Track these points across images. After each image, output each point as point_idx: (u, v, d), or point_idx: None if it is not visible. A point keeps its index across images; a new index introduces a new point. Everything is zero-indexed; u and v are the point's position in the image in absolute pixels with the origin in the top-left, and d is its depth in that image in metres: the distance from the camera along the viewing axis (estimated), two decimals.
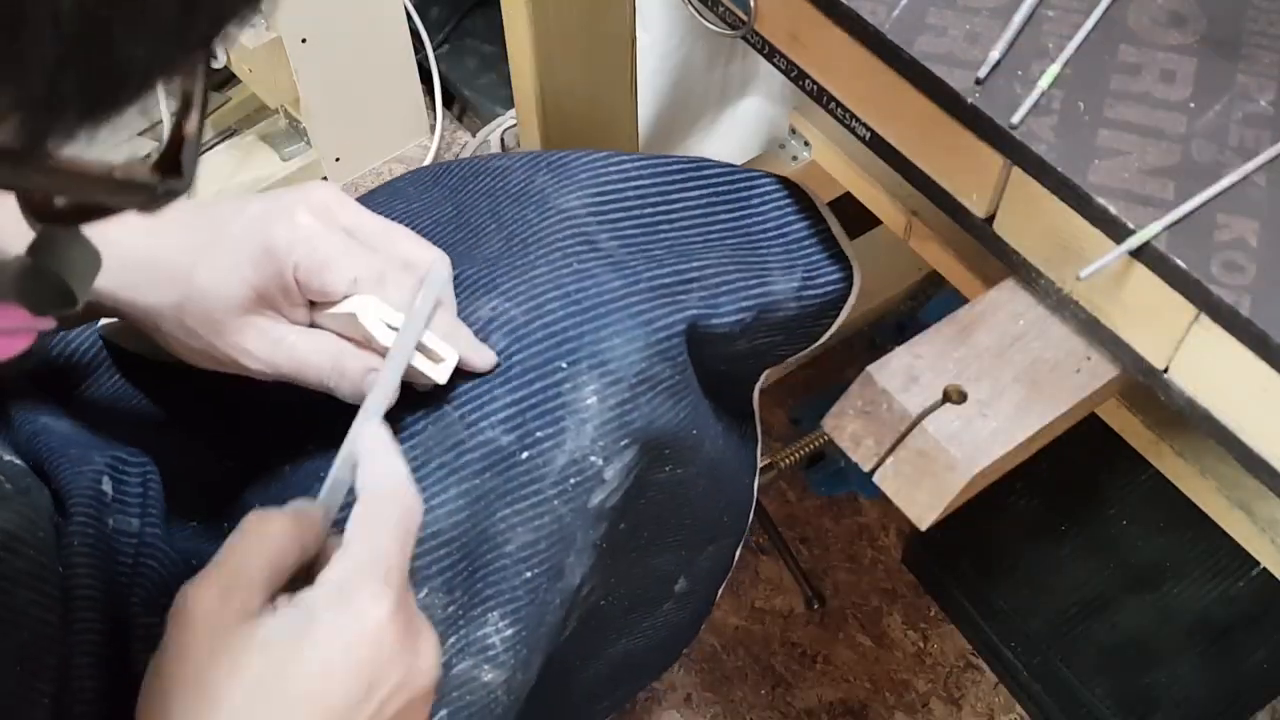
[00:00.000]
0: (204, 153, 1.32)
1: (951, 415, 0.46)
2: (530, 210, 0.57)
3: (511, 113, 1.31)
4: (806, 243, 0.63)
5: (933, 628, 1.03)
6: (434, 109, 1.38)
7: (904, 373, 0.47)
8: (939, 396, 0.47)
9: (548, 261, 0.53)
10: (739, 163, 0.94)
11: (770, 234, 0.62)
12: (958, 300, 0.55)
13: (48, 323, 0.29)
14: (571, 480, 0.49)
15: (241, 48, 1.15)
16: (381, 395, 0.45)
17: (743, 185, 0.63)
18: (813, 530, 1.08)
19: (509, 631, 0.49)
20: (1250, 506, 0.54)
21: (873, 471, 0.48)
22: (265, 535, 0.39)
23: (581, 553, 0.51)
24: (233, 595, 0.38)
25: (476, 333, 0.50)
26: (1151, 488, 0.99)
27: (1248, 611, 0.93)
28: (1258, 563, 0.55)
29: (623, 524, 0.53)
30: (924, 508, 0.47)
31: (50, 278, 0.28)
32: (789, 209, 0.63)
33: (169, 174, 0.25)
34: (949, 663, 1.01)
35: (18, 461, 0.47)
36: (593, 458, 0.49)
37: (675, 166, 0.60)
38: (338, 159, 1.32)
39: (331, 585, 0.39)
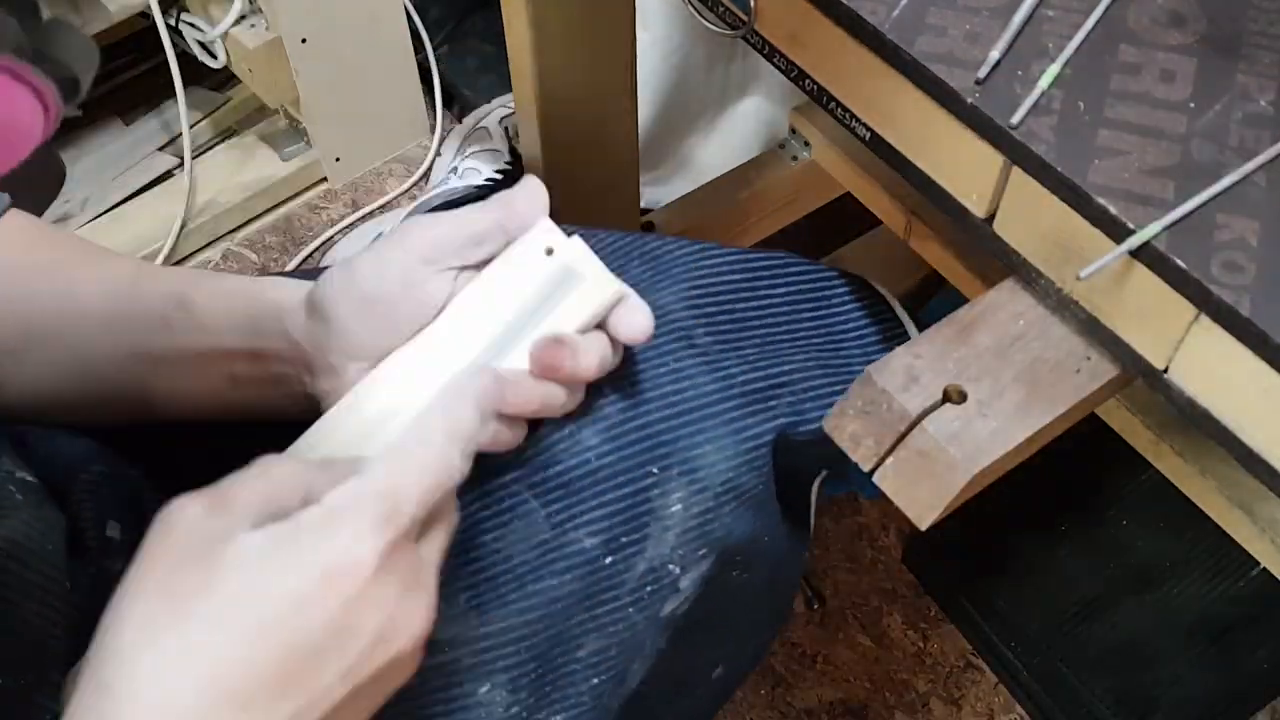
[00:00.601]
0: (204, 153, 1.33)
1: (951, 415, 0.46)
2: None
3: (503, 99, 1.31)
4: (883, 347, 0.62)
5: (933, 628, 1.03)
6: (434, 109, 1.37)
7: (904, 373, 0.47)
8: (939, 396, 0.47)
9: (645, 359, 0.51)
10: (739, 163, 0.94)
11: (850, 336, 0.62)
12: (958, 300, 0.55)
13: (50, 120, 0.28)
14: (648, 588, 0.49)
15: (241, 48, 1.15)
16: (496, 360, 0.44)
17: (824, 284, 0.62)
18: (813, 530, 1.08)
19: None
20: (1250, 506, 0.54)
21: (873, 471, 0.48)
22: (268, 470, 0.38)
23: (647, 659, 0.51)
24: (218, 513, 0.36)
25: (571, 427, 0.49)
26: (1151, 488, 0.99)
27: (1248, 611, 0.93)
28: (1258, 563, 0.55)
29: (683, 624, 0.53)
30: (924, 508, 0.47)
31: (58, 66, 0.28)
32: (867, 310, 0.63)
33: None
34: (949, 663, 1.01)
35: (30, 479, 0.47)
36: (671, 566, 0.49)
37: (763, 262, 0.60)
38: (338, 159, 1.32)
39: (324, 508, 0.36)
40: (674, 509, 0.48)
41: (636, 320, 0.46)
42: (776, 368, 0.55)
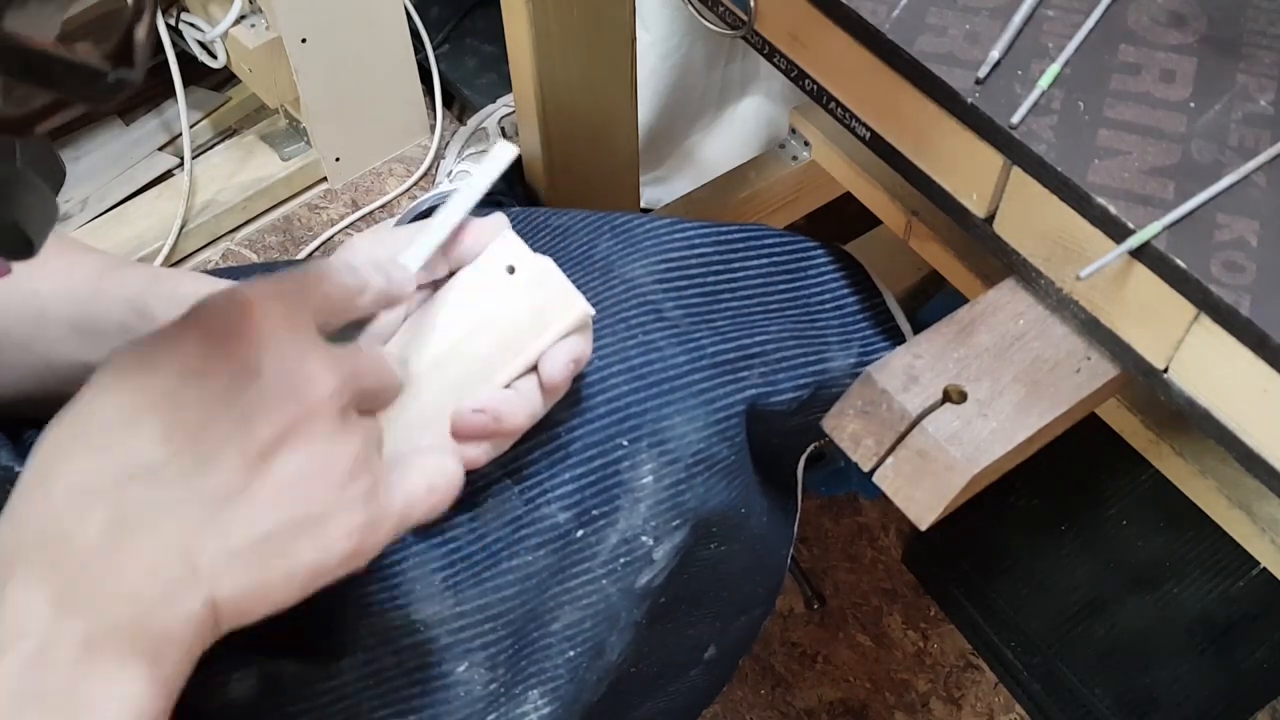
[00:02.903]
0: (204, 153, 1.32)
1: (951, 415, 0.46)
2: (595, 278, 0.56)
3: (504, 99, 1.31)
4: (861, 316, 0.62)
5: (933, 628, 1.03)
6: (434, 109, 1.38)
7: (904, 373, 0.47)
8: (939, 396, 0.47)
9: (613, 332, 0.52)
10: (739, 163, 0.94)
11: (827, 306, 0.62)
12: (958, 300, 0.55)
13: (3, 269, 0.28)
14: (621, 560, 0.49)
15: (241, 48, 1.15)
16: (425, 244, 0.44)
17: (799, 254, 0.62)
18: (813, 530, 1.08)
19: (546, 710, 0.48)
20: (1250, 506, 0.54)
21: (873, 471, 0.48)
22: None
23: (624, 631, 0.51)
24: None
25: None
26: (1151, 488, 0.99)
27: (1248, 611, 0.93)
28: (1258, 563, 0.55)
29: (663, 598, 0.53)
30: (924, 508, 0.47)
31: (6, 224, 0.28)
32: (844, 280, 0.63)
33: (120, 63, 0.24)
34: (949, 663, 1.01)
35: None
36: (644, 538, 0.49)
37: (736, 234, 0.60)
38: (338, 159, 1.32)
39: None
40: (645, 480, 0.49)
41: (559, 364, 0.44)
42: (748, 338, 0.55)
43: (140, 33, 0.25)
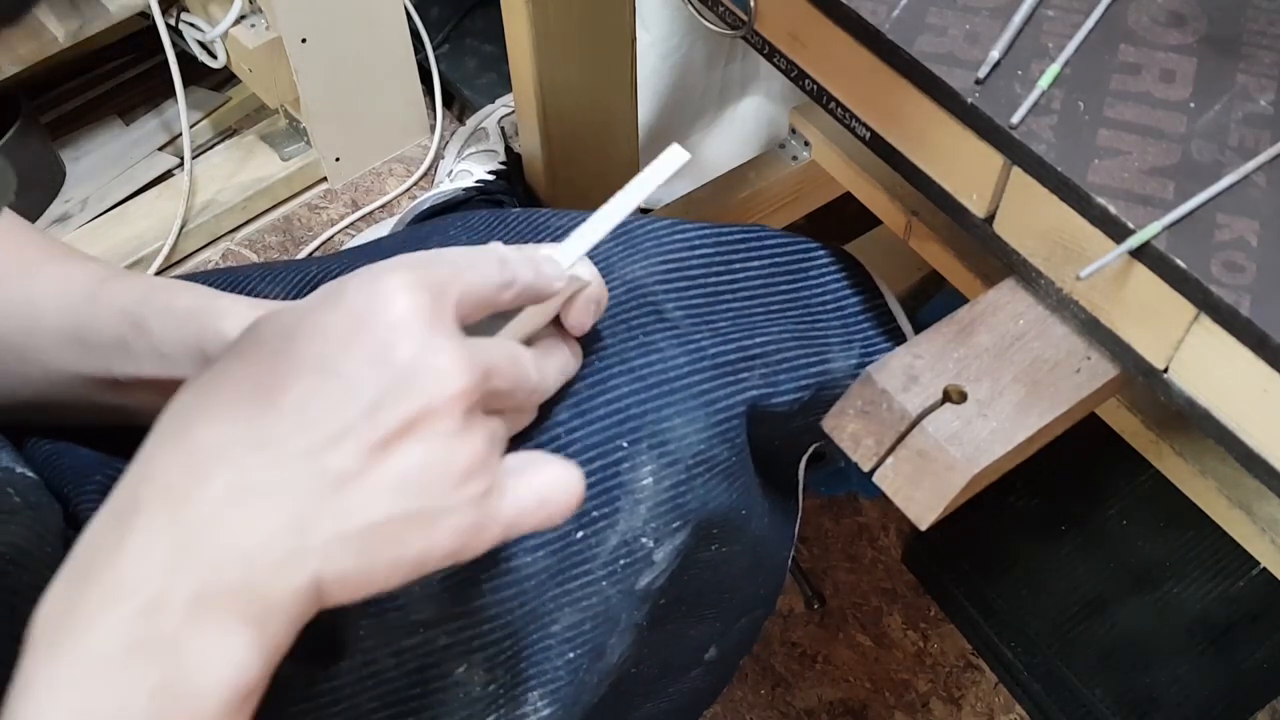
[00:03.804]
0: (204, 153, 1.33)
1: (951, 415, 0.46)
2: None
3: (504, 99, 1.31)
4: (862, 317, 0.62)
5: (933, 628, 1.03)
6: (434, 109, 1.38)
7: (904, 373, 0.47)
8: (939, 396, 0.47)
9: (613, 333, 0.52)
10: (739, 163, 0.94)
11: (828, 306, 0.61)
12: (958, 300, 0.55)
13: None
14: (621, 562, 0.49)
15: (241, 48, 1.15)
16: (580, 238, 0.44)
17: (801, 255, 0.62)
18: (813, 530, 1.08)
19: (546, 711, 0.48)
20: (1250, 506, 0.54)
21: (873, 471, 0.48)
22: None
23: (624, 633, 0.51)
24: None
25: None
26: (1151, 488, 0.99)
27: (1248, 611, 0.93)
28: (1258, 563, 0.55)
29: (663, 600, 0.53)
30: (924, 508, 0.47)
31: None
32: (846, 281, 0.63)
33: None
34: (949, 663, 1.01)
35: (30, 474, 0.47)
36: (644, 539, 0.49)
37: (737, 235, 0.60)
38: (338, 159, 1.32)
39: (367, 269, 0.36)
40: (645, 482, 0.49)
41: (580, 307, 0.46)
42: (749, 340, 0.55)
43: None
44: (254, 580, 0.32)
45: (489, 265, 0.39)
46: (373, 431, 0.33)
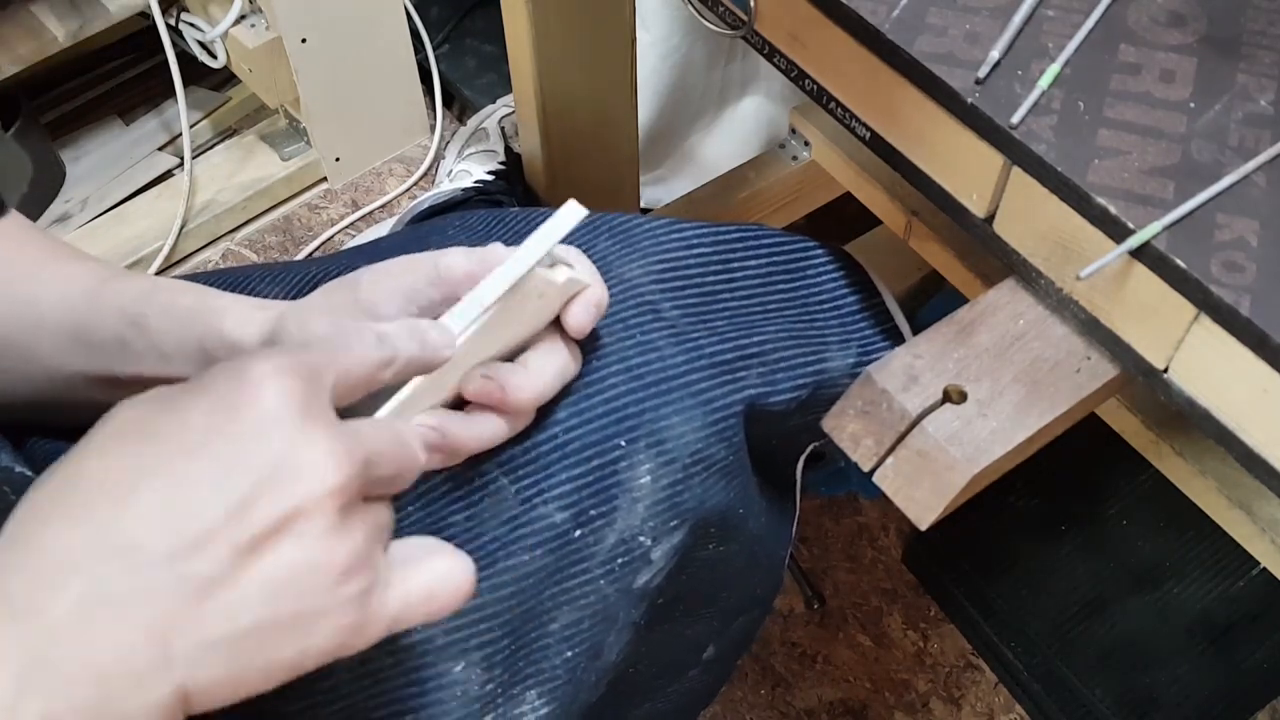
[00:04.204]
0: (204, 153, 1.33)
1: (951, 415, 0.46)
2: None
3: (504, 99, 1.31)
4: (860, 316, 0.62)
5: (933, 628, 1.03)
6: (434, 109, 1.38)
7: (904, 373, 0.47)
8: (939, 396, 0.47)
9: (610, 332, 0.52)
10: (739, 163, 0.94)
11: (826, 306, 0.61)
12: (958, 300, 0.55)
13: None
14: (619, 560, 0.49)
15: (241, 48, 1.15)
16: (474, 302, 0.42)
17: (799, 254, 0.62)
18: (813, 530, 1.08)
19: (544, 710, 0.48)
20: (1250, 506, 0.54)
21: (873, 471, 0.48)
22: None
23: (622, 631, 0.51)
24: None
25: None
26: (1151, 488, 0.99)
27: (1248, 611, 0.93)
28: (1258, 563, 0.55)
29: (661, 599, 0.53)
30: (924, 508, 0.47)
31: None
32: (844, 280, 0.63)
33: None
34: (949, 663, 1.01)
35: (30, 474, 0.47)
36: (641, 538, 0.49)
37: (734, 235, 0.60)
38: (338, 159, 1.32)
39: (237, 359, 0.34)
40: (642, 480, 0.49)
41: (580, 310, 0.46)
42: (747, 339, 0.55)
43: None
44: (109, 697, 0.30)
45: (366, 344, 0.38)
46: (240, 533, 0.31)
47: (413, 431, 0.38)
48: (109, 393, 0.47)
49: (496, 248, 0.46)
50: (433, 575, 0.36)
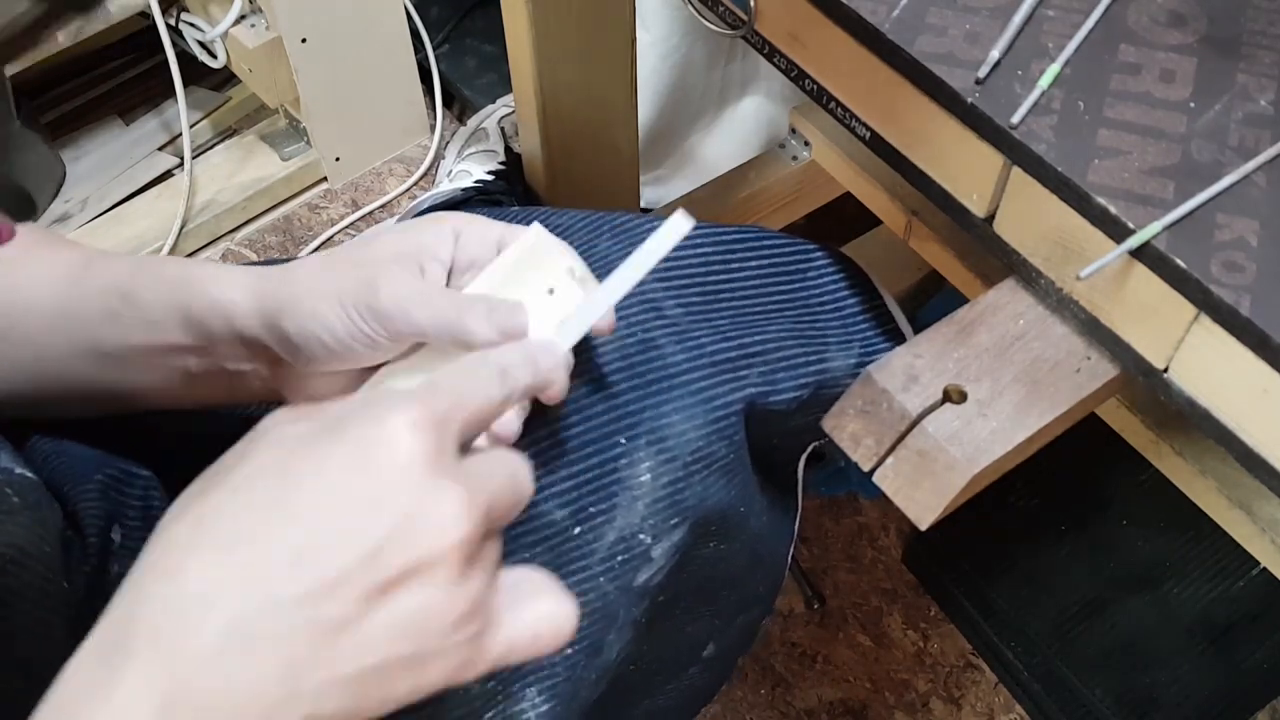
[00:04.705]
0: (204, 153, 1.33)
1: (951, 415, 0.46)
2: None
3: (504, 99, 1.31)
4: (861, 317, 0.62)
5: (933, 628, 1.03)
6: (434, 109, 1.38)
7: (904, 372, 0.47)
8: (939, 396, 0.47)
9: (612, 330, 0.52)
10: (739, 163, 0.94)
11: (827, 306, 0.62)
12: (958, 300, 0.55)
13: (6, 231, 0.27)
14: (619, 558, 0.49)
15: (241, 47, 1.15)
16: (580, 324, 0.43)
17: (799, 256, 0.62)
18: (813, 530, 1.08)
19: (545, 708, 0.48)
20: (1250, 506, 0.54)
21: (873, 471, 0.48)
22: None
23: (622, 629, 0.51)
24: (301, 417, 0.35)
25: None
26: (1151, 488, 0.99)
27: (1248, 611, 0.93)
28: (1258, 563, 0.55)
29: (661, 597, 0.53)
30: (924, 508, 0.47)
31: (9, 185, 0.27)
32: (844, 282, 0.63)
33: None
34: (949, 663, 1.01)
35: (29, 474, 0.47)
36: (641, 535, 0.49)
37: (734, 235, 0.60)
38: (338, 159, 1.32)
39: (362, 399, 0.35)
40: (643, 478, 0.49)
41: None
42: (748, 338, 0.55)
43: None
44: None
45: (490, 385, 0.38)
46: (370, 579, 0.33)
47: (524, 465, 0.38)
48: (97, 368, 0.47)
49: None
50: (537, 617, 0.38)
